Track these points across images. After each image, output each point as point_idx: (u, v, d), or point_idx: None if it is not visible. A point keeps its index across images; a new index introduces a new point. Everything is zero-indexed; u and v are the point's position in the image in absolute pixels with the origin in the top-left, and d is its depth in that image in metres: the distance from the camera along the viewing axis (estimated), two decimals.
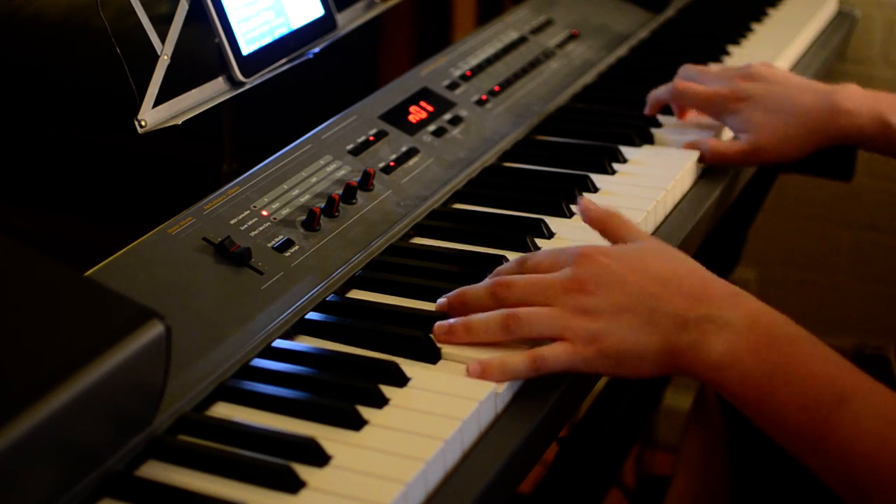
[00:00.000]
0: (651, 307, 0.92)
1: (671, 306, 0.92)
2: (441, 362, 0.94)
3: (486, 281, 0.99)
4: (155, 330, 0.79)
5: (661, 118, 1.42)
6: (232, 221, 1.07)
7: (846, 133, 1.33)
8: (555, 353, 0.92)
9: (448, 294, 0.99)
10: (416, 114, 1.32)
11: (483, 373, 0.91)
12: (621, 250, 0.97)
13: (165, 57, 1.13)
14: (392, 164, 1.23)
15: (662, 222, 1.23)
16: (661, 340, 0.91)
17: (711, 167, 1.35)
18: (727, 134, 1.40)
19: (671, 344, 0.91)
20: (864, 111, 1.32)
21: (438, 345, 0.95)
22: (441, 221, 1.18)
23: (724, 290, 0.93)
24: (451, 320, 0.96)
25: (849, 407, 0.87)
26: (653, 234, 1.20)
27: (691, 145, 1.34)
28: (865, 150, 1.39)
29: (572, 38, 1.64)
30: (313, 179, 1.16)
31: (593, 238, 1.13)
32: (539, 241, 1.12)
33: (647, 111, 1.42)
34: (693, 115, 1.43)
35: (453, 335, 0.95)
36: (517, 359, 0.92)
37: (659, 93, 1.41)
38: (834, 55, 1.85)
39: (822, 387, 0.88)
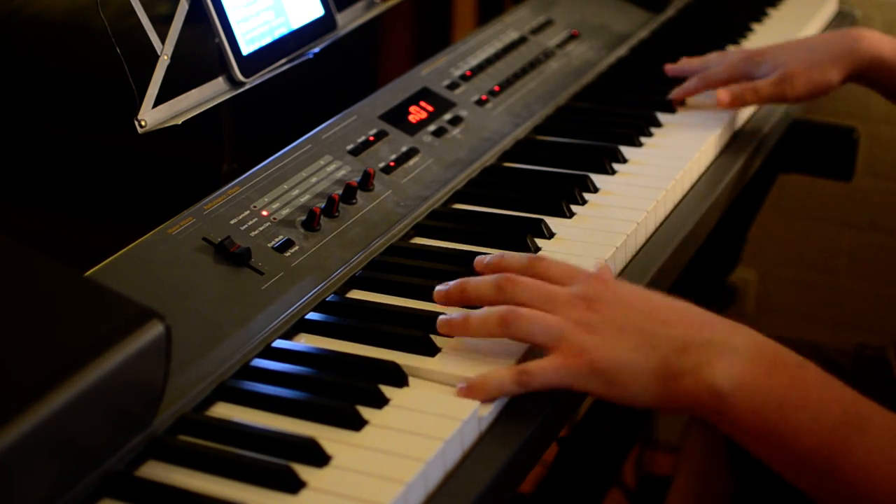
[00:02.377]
0: (652, 330, 0.88)
1: (673, 330, 0.88)
2: (441, 360, 0.94)
3: (493, 275, 0.96)
4: (155, 330, 0.79)
5: (661, 117, 1.42)
6: (232, 221, 1.07)
7: (868, 58, 1.37)
8: (542, 367, 0.88)
9: (448, 283, 0.97)
10: (416, 114, 1.32)
11: (469, 391, 0.88)
12: (632, 284, 0.96)
13: (165, 57, 1.13)
14: (392, 164, 1.23)
15: (663, 222, 1.23)
16: (658, 362, 0.86)
17: (719, 160, 1.36)
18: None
19: (669, 366, 0.86)
20: (885, 41, 1.38)
21: (439, 336, 0.95)
22: (441, 221, 1.17)
23: (727, 322, 0.90)
24: (450, 315, 0.94)
25: (865, 431, 0.83)
26: (654, 232, 1.20)
27: (726, 89, 1.37)
28: (886, 85, 1.41)
29: (572, 38, 1.63)
30: (313, 179, 1.16)
31: (593, 238, 1.13)
32: (539, 241, 1.12)
33: (673, 96, 1.45)
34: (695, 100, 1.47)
35: (452, 328, 0.94)
36: (503, 373, 0.89)
37: (688, 87, 1.44)
38: None
39: (837, 411, 0.84)
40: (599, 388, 0.88)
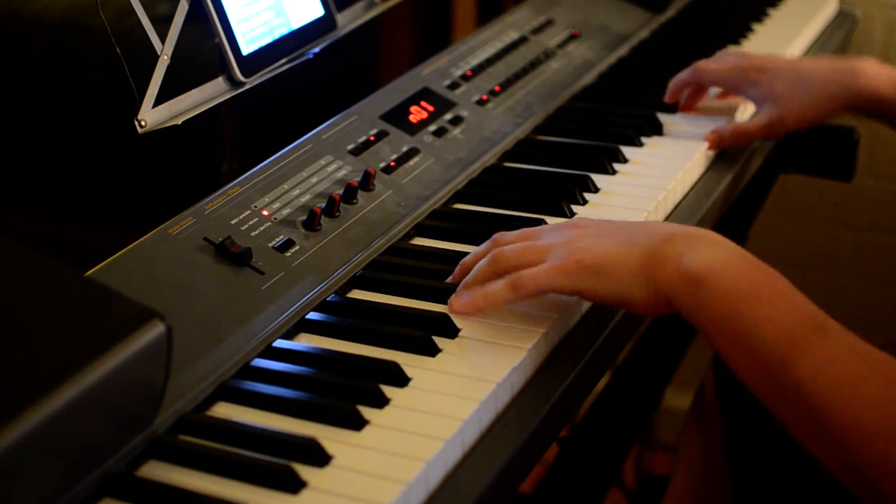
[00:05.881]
0: (634, 230, 0.95)
1: (657, 227, 0.95)
2: (442, 360, 0.94)
3: (484, 246, 1.02)
4: (155, 330, 0.79)
5: (662, 118, 1.42)
6: (232, 221, 1.07)
7: (866, 96, 1.36)
8: (533, 272, 0.94)
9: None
10: (416, 114, 1.32)
11: (467, 305, 0.96)
12: None
13: (165, 57, 1.13)
14: (393, 164, 1.23)
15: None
16: (642, 250, 0.92)
17: (718, 161, 1.35)
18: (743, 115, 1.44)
19: (653, 252, 0.92)
20: (882, 76, 1.36)
21: (440, 337, 0.96)
22: (442, 221, 1.17)
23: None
24: (462, 300, 0.98)
25: (826, 334, 0.87)
26: None
27: (714, 132, 1.35)
28: (884, 118, 1.41)
29: (573, 38, 1.63)
30: (314, 179, 1.16)
31: None
32: None
33: (667, 98, 1.44)
34: (703, 102, 1.45)
35: (468, 308, 0.98)
36: (497, 284, 0.96)
37: (680, 76, 1.43)
38: (834, 55, 1.85)
39: (802, 314, 0.88)
40: (589, 284, 0.93)
